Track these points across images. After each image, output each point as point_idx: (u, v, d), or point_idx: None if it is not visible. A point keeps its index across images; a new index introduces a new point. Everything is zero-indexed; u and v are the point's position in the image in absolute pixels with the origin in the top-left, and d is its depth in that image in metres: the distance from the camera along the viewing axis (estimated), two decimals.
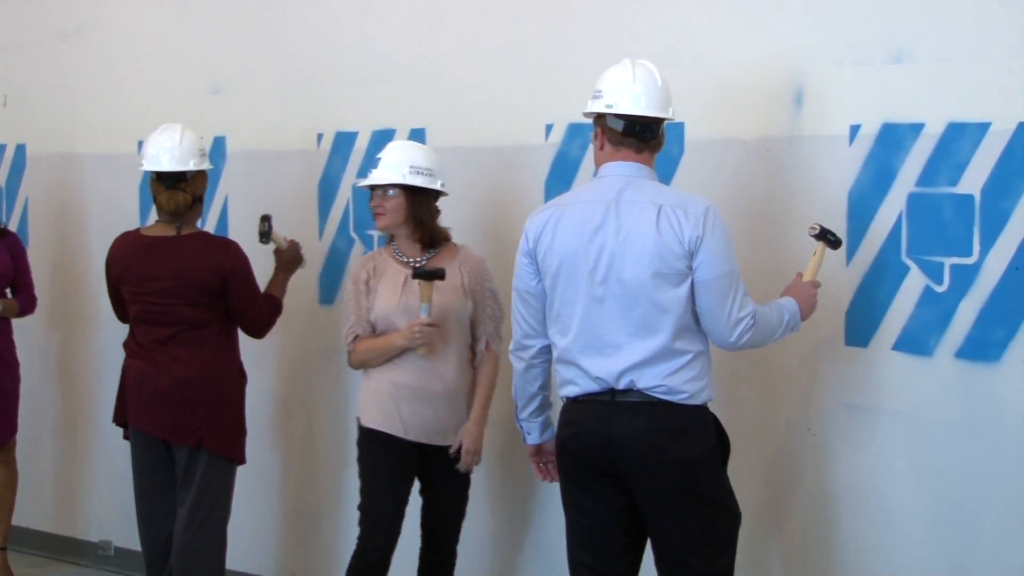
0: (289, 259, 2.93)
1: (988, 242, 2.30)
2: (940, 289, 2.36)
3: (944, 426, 2.37)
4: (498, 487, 2.97)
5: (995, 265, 2.29)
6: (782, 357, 2.54)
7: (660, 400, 2.09)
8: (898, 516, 2.44)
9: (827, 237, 2.31)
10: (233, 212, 3.38)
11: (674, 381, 2.09)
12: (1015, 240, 2.27)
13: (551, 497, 2.86)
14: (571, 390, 2.16)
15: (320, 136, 3.21)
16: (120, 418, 2.87)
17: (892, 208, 2.40)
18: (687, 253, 2.09)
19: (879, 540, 2.47)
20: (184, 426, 2.73)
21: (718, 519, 2.13)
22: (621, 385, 2.10)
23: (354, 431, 3.01)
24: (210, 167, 2.89)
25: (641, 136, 2.16)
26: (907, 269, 2.39)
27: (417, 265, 2.60)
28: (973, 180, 2.31)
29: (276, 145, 3.30)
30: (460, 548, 2.72)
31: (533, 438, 2.33)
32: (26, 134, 3.77)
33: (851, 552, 2.50)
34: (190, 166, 2.79)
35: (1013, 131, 2.26)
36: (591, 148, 2.77)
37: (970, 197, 2.31)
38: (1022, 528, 2.29)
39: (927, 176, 2.36)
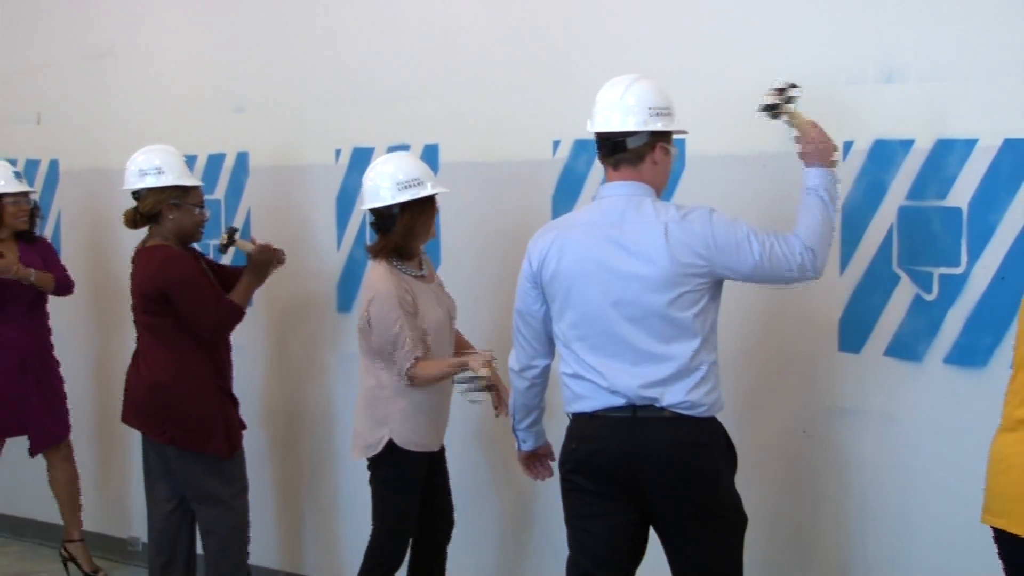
0: (257, 263, 2.96)
1: (975, 253, 2.36)
2: (929, 298, 2.42)
3: (933, 429, 2.43)
4: (500, 489, 3.06)
5: (982, 275, 2.35)
6: (778, 362, 2.62)
7: (681, 415, 2.08)
8: (891, 516, 2.50)
9: (782, 100, 2.18)
10: (255, 224, 3.49)
11: (695, 396, 2.09)
12: (1001, 251, 2.33)
13: (551, 498, 2.97)
14: (586, 405, 2.14)
15: (338, 152, 3.31)
16: (122, 414, 3.06)
17: (883, 221, 2.47)
18: (703, 261, 2.08)
19: (872, 540, 2.53)
20: (155, 424, 2.90)
21: (734, 527, 2.16)
22: (642, 401, 2.09)
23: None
24: (157, 184, 2.88)
25: (608, 153, 2.16)
26: (898, 279, 2.46)
27: (415, 275, 2.65)
28: (961, 194, 2.36)
29: (296, 160, 3.39)
30: (463, 548, 2.82)
31: (528, 446, 2.39)
32: (59, 150, 3.89)
33: (843, 552, 2.56)
34: (132, 185, 2.94)
35: (999, 147, 2.32)
36: (595, 164, 2.86)
37: (958, 210, 2.37)
38: None
39: (917, 190, 2.42)
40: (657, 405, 2.09)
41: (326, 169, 3.33)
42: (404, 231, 2.60)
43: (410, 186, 2.59)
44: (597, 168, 2.87)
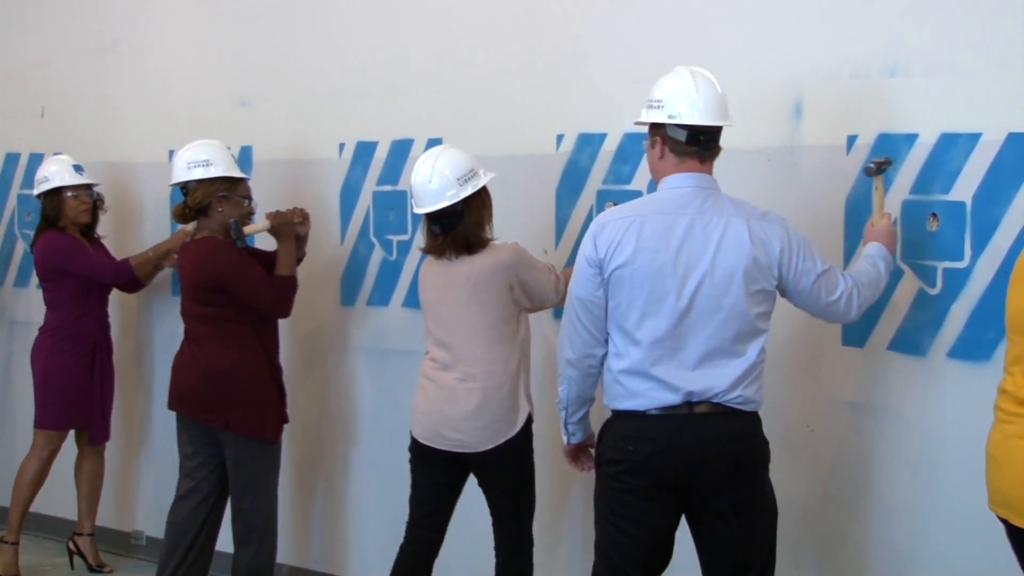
0: (278, 231, 2.98)
1: (979, 247, 2.37)
2: (933, 292, 2.43)
3: (937, 423, 2.44)
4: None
5: (986, 269, 2.36)
6: (782, 356, 2.61)
7: (735, 410, 2.10)
8: (893, 510, 2.51)
9: (881, 169, 2.35)
10: (259, 219, 3.51)
11: (749, 392, 2.12)
12: (1005, 245, 2.34)
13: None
14: (639, 403, 2.11)
15: (342, 146, 3.33)
16: (169, 402, 3.08)
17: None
18: (777, 267, 2.12)
19: (874, 534, 2.54)
20: (210, 411, 2.93)
21: (772, 517, 2.20)
22: (700, 397, 2.08)
23: (369, 429, 3.14)
24: (206, 175, 2.90)
25: (705, 146, 2.15)
26: (901, 272, 2.47)
27: None
28: (965, 188, 2.37)
29: (300, 154, 3.41)
30: (471, 546, 2.82)
31: (577, 438, 2.35)
32: (63, 144, 3.88)
33: (846, 545, 2.58)
34: (180, 178, 2.96)
35: (1003, 141, 2.33)
36: (599, 157, 2.90)
37: (962, 204, 2.38)
38: None
39: (921, 184, 2.43)
40: (715, 401, 2.09)
41: (330, 163, 3.35)
42: (475, 224, 2.59)
43: (470, 179, 2.59)
44: (600, 162, 2.90)
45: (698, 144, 2.15)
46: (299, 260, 3.11)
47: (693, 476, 2.11)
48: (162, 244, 3.51)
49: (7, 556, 3.57)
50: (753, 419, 2.16)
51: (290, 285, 2.97)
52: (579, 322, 2.19)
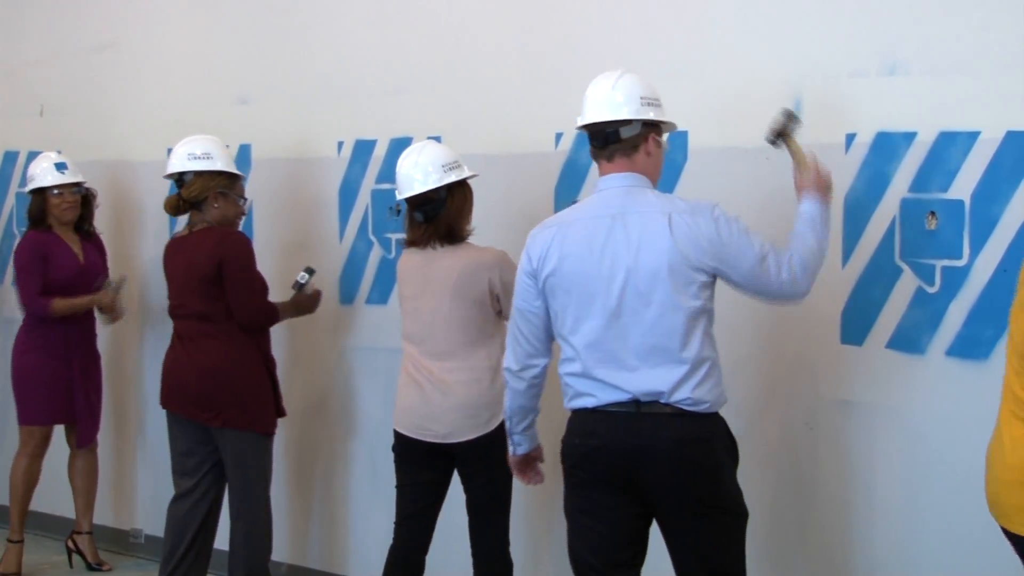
0: (302, 303, 3.11)
1: (977, 245, 2.37)
2: (932, 290, 2.44)
3: (936, 421, 2.45)
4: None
5: (984, 267, 2.37)
6: (780, 354, 2.63)
7: (685, 411, 2.07)
8: (890, 509, 2.52)
9: (786, 130, 2.25)
10: (258, 217, 3.50)
11: (699, 393, 2.07)
12: (1003, 243, 2.34)
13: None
14: (588, 401, 2.12)
15: (340, 144, 3.33)
16: (162, 401, 3.08)
17: (886, 213, 2.48)
18: (709, 258, 2.07)
19: (872, 532, 2.55)
20: (208, 409, 2.92)
21: (736, 520, 2.15)
22: (647, 397, 2.07)
23: (367, 427, 3.13)
24: (206, 168, 2.91)
25: (601, 145, 2.13)
26: (900, 271, 2.48)
27: None
28: (963, 186, 2.38)
29: (299, 153, 3.42)
30: (461, 548, 2.79)
31: (523, 449, 2.35)
32: (62, 142, 3.89)
33: (846, 544, 2.58)
34: (177, 168, 2.95)
35: (1001, 139, 2.33)
36: None
37: (960, 202, 2.38)
38: None
39: (919, 182, 2.44)
40: (662, 401, 2.08)
41: (328, 161, 3.36)
42: (457, 212, 2.61)
43: (454, 168, 2.62)
44: None
45: (595, 145, 2.15)
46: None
47: (644, 475, 2.09)
48: (92, 298, 3.45)
49: (12, 554, 3.58)
50: (704, 422, 2.09)
51: (273, 316, 3.02)
52: (519, 332, 2.20)
